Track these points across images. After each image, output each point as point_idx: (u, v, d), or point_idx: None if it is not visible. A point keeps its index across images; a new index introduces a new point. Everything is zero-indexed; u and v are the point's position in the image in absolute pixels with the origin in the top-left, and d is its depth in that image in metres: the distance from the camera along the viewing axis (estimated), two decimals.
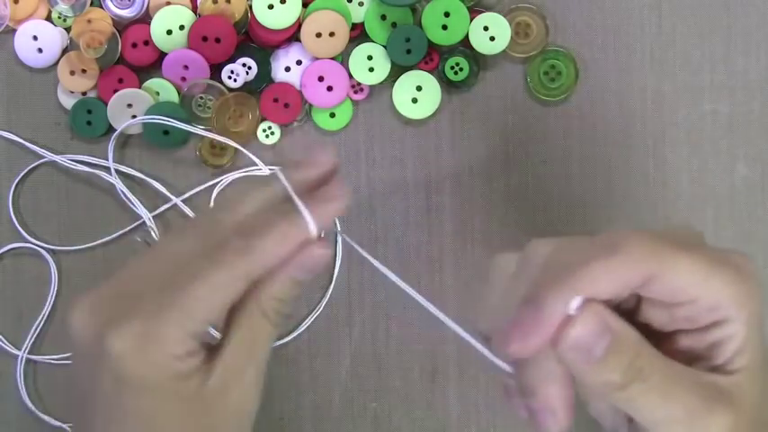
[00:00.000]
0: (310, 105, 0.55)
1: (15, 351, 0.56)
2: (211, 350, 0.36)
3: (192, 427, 0.35)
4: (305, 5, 0.54)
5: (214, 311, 0.35)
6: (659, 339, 0.34)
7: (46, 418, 0.56)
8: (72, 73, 0.55)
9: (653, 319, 0.35)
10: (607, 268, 0.32)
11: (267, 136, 0.56)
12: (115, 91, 0.54)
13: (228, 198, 0.37)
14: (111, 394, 0.34)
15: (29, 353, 0.56)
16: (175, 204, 0.56)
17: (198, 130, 0.54)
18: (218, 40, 0.53)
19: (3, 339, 0.56)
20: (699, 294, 0.33)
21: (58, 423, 0.56)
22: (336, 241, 0.56)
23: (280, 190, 0.36)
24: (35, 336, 0.56)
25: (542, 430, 0.34)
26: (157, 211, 0.56)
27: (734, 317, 0.33)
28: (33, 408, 0.56)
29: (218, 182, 0.56)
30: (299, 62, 0.55)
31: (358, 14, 0.54)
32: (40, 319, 0.56)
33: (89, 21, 0.54)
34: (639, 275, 0.32)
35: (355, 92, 0.55)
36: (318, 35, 0.54)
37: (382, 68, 0.54)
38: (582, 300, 0.32)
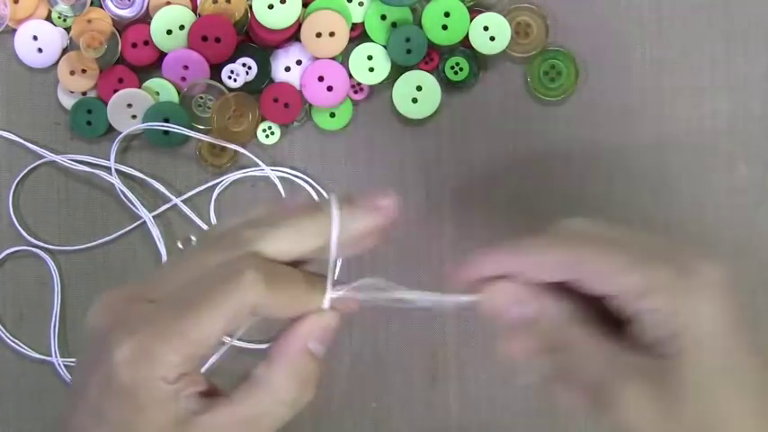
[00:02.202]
0: (310, 105, 0.55)
1: (48, 358, 0.56)
2: (216, 394, 0.36)
3: None
4: (305, 5, 0.54)
5: (213, 336, 0.34)
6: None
7: None
8: (72, 73, 0.55)
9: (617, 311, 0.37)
10: (533, 247, 0.37)
11: (267, 136, 0.56)
12: (115, 91, 0.54)
13: (259, 218, 0.37)
14: (100, 394, 0.34)
15: (55, 356, 0.56)
16: (175, 204, 0.56)
17: (198, 135, 0.54)
18: (218, 40, 0.53)
19: (20, 343, 0.56)
20: (622, 288, 0.36)
21: None
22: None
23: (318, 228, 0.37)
24: (56, 338, 0.56)
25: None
26: (157, 211, 0.56)
27: (662, 305, 0.35)
28: None
29: (219, 182, 0.56)
30: (299, 62, 0.55)
31: (358, 14, 0.54)
32: (53, 320, 0.56)
33: (89, 21, 0.54)
34: (562, 257, 0.37)
35: (355, 92, 0.55)
36: (318, 35, 0.54)
37: (382, 68, 0.54)
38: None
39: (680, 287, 0.35)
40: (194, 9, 0.54)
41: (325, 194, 0.56)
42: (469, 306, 0.38)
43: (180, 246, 0.56)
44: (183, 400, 0.35)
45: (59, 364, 0.56)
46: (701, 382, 0.35)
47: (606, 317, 0.37)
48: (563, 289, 0.38)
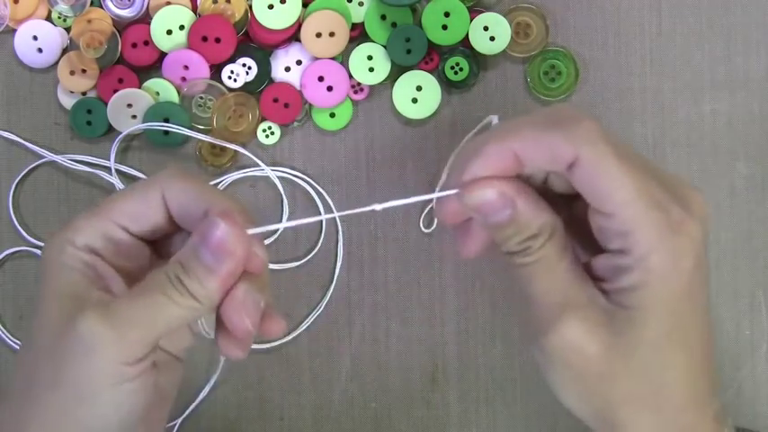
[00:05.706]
0: (310, 105, 0.55)
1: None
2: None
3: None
4: (305, 5, 0.54)
5: (126, 209, 0.37)
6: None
7: None
8: (72, 73, 0.55)
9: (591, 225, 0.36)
10: (542, 134, 0.35)
11: (267, 136, 0.56)
12: (115, 91, 0.54)
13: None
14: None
15: None
16: None
17: (198, 135, 0.54)
18: (218, 40, 0.53)
19: (20, 343, 0.56)
20: (615, 211, 0.34)
21: None
22: (338, 241, 0.56)
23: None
24: None
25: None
26: None
27: (636, 253, 0.34)
28: None
29: (219, 182, 0.56)
30: (299, 62, 0.55)
31: (358, 14, 0.54)
32: None
33: (89, 21, 0.54)
34: (568, 152, 0.34)
35: (355, 92, 0.55)
36: (318, 35, 0.54)
37: (382, 68, 0.54)
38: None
39: (663, 244, 0.34)
40: (194, 9, 0.54)
41: (325, 194, 0.56)
42: (458, 200, 0.37)
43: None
44: (86, 280, 0.36)
45: None
46: (653, 340, 0.34)
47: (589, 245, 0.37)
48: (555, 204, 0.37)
